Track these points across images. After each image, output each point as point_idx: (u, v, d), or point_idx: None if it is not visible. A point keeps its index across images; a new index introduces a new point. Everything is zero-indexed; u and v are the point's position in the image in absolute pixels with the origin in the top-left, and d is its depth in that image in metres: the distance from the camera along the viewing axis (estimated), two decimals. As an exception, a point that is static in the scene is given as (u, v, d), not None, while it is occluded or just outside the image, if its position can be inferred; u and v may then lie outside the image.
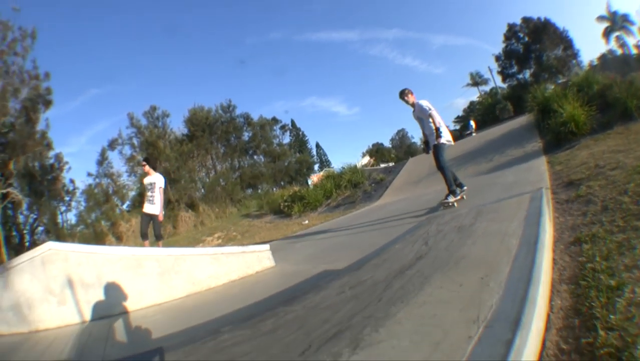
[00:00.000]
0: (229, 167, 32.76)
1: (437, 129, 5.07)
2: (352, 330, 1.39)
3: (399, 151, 58.73)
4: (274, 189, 27.69)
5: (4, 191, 20.57)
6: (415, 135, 63.10)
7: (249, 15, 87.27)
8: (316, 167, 43.41)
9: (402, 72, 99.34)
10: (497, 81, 42.21)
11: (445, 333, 1.12)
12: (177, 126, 36.02)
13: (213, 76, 72.33)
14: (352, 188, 12.34)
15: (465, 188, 5.21)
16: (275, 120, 38.93)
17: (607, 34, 37.01)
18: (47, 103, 24.41)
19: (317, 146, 59.70)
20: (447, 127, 5.42)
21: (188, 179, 28.21)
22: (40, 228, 26.71)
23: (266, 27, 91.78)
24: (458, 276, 1.56)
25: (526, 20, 37.54)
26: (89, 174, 31.89)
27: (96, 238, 21.38)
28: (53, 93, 24.65)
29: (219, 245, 12.64)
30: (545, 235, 1.81)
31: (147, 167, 7.06)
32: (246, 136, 35.94)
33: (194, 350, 1.95)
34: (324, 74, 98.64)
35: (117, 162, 43.15)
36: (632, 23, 35.63)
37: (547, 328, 1.35)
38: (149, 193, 6.99)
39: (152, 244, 6.76)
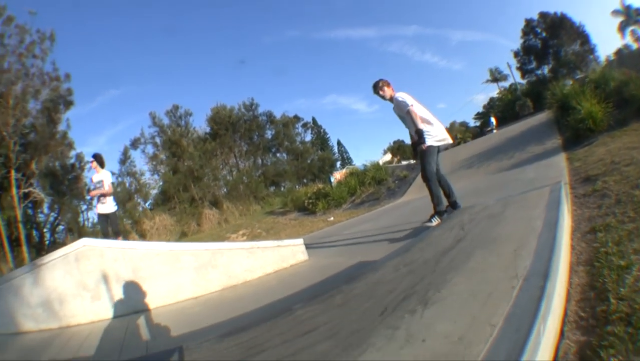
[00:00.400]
0: (252, 165, 33.16)
1: (420, 131, 4.17)
2: (417, 295, 1.69)
3: (421, 148, 58.40)
4: (297, 186, 27.97)
5: (26, 190, 21.46)
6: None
7: (264, 14, 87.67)
8: (338, 164, 43.62)
9: (422, 69, 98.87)
10: (516, 77, 42.00)
11: (494, 286, 1.53)
12: (200, 125, 36.34)
13: (230, 75, 73.30)
14: (376, 184, 12.56)
15: (445, 216, 4.16)
16: (297, 118, 39.30)
17: (622, 28, 36.53)
18: (68, 104, 25.16)
19: (339, 143, 60.17)
20: (444, 126, 4.56)
21: (211, 177, 28.70)
22: (60, 227, 27.70)
23: (283, 25, 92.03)
24: (495, 249, 1.99)
25: (543, 15, 37.29)
26: (112, 173, 33.14)
27: (119, 235, 22.02)
28: (74, 94, 25.15)
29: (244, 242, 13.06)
30: (564, 219, 2.21)
31: (95, 164, 6.95)
32: (269, 134, 36.37)
33: (273, 326, 2.03)
34: (343, 72, 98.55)
35: (139, 161, 44.38)
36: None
37: (568, 300, 1.59)
38: (92, 187, 6.87)
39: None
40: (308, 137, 42.25)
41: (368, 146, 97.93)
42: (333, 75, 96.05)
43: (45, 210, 26.40)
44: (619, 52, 31.50)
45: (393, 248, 3.65)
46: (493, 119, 30.99)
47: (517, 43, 40.70)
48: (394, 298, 1.76)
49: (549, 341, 1.24)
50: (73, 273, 4.20)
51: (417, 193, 9.71)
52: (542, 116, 11.15)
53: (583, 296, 1.59)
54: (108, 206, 6.79)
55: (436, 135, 4.29)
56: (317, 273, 3.97)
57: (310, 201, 13.67)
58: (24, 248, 20.63)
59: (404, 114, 4.32)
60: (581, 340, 1.30)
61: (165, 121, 33.61)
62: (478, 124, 44.64)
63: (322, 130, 52.75)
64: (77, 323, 4.05)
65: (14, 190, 21.01)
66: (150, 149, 33.13)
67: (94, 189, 6.79)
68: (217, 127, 32.80)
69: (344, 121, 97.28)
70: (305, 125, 41.46)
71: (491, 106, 46.15)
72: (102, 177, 6.79)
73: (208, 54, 76.88)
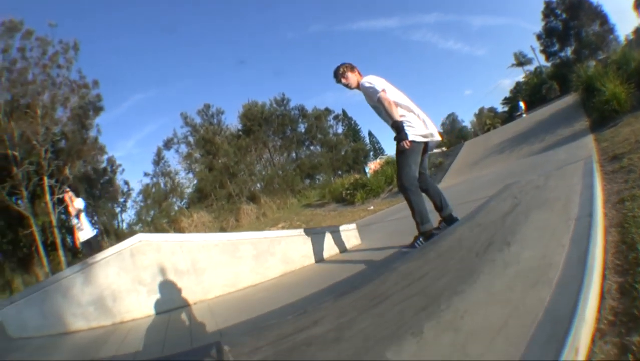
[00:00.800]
0: (287, 159, 33.80)
1: (397, 123, 3.23)
2: (498, 241, 2.07)
3: (450, 135, 58.07)
4: (332, 178, 28.08)
5: (60, 195, 22.55)
6: (466, 119, 63.04)
7: (288, 9, 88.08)
8: (370, 155, 43.84)
9: (446, 56, 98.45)
10: (541, 60, 41.57)
11: (555, 226, 2.08)
12: (232, 123, 36.95)
13: (258, 72, 75.24)
14: (413, 172, 12.92)
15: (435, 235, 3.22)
16: (327, 110, 39.55)
17: (638, 6, 35.65)
18: (98, 110, 26.09)
19: (370, 134, 60.34)
20: (432, 120, 3.54)
21: (247, 172, 29.47)
22: (95, 230, 28.93)
23: (306, 20, 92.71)
24: (549, 207, 2.71)
25: (562, -5, 36.81)
26: (146, 174, 34.10)
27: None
28: (103, 100, 25.95)
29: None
30: (596, 183, 2.94)
31: (71, 194, 6.88)
32: (302, 127, 36.84)
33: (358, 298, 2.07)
34: (368, 63, 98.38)
35: (173, 161, 45.82)
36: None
37: (605, 251, 1.86)
38: (75, 221, 6.83)
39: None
40: (339, 129, 42.37)
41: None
42: (359, 67, 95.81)
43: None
44: (637, 31, 31.05)
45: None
46: (522, 104, 30.77)
47: (538, 26, 40.29)
48: (480, 246, 2.06)
49: (599, 258, 1.62)
50: (128, 269, 4.22)
51: (454, 179, 10.37)
52: (569, 99, 11.33)
53: (617, 249, 1.85)
54: (87, 231, 6.75)
55: (419, 128, 3.37)
56: (375, 253, 3.95)
57: (348, 191, 13.83)
58: (60, 252, 21.26)
59: (376, 103, 3.39)
60: (619, 280, 1.53)
61: (197, 120, 34.71)
62: (506, 109, 44.46)
63: (352, 122, 52.71)
64: (131, 318, 4.09)
65: (47, 196, 21.58)
66: (183, 149, 34.36)
67: (78, 221, 6.74)
68: (250, 124, 33.24)
69: (372, 112, 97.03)
70: (336, 117, 41.59)
71: (518, 91, 45.80)
72: (79, 205, 6.81)
73: (217, 54, 77.82)
